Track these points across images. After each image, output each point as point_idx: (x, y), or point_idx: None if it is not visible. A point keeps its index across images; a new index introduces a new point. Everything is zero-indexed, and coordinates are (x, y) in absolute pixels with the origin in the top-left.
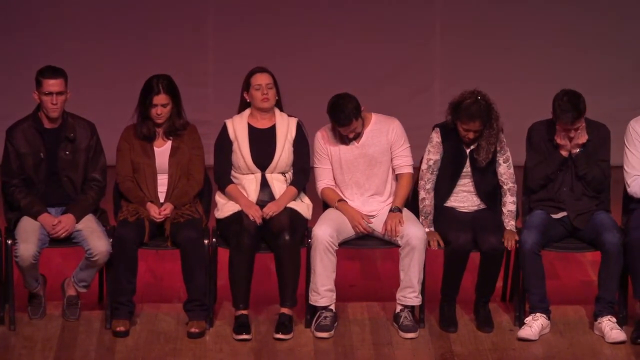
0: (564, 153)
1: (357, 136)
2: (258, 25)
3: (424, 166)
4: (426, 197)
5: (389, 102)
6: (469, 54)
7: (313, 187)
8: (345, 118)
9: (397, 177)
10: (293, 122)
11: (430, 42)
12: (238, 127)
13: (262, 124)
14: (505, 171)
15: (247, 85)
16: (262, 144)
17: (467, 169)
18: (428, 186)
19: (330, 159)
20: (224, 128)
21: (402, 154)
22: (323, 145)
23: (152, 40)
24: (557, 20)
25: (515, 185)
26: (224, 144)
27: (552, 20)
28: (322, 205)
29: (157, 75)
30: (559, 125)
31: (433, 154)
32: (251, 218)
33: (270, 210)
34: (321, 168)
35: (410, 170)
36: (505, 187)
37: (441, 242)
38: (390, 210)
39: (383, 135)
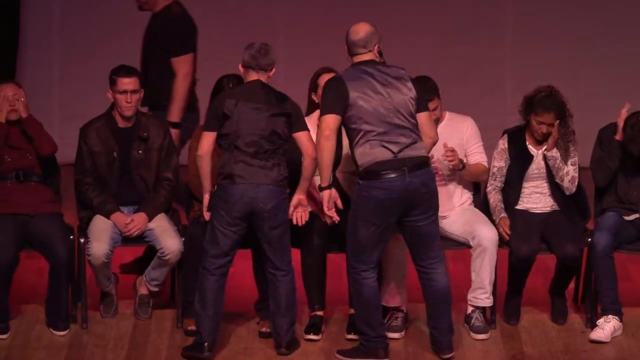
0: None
1: (435, 121)
2: (327, 26)
3: (490, 173)
4: (491, 198)
5: (459, 102)
6: (540, 54)
7: None
8: (428, 93)
9: None
10: None
11: (501, 43)
12: None
13: None
14: (571, 173)
15: (314, 86)
16: None
17: (541, 170)
18: (489, 188)
19: None
20: None
21: (477, 151)
22: None
23: (221, 40)
24: (631, 20)
25: (575, 189)
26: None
27: (626, 20)
28: None
29: (227, 75)
30: None
31: (497, 161)
32: (322, 219)
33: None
34: None
35: (485, 164)
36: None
37: (504, 235)
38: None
39: (457, 132)
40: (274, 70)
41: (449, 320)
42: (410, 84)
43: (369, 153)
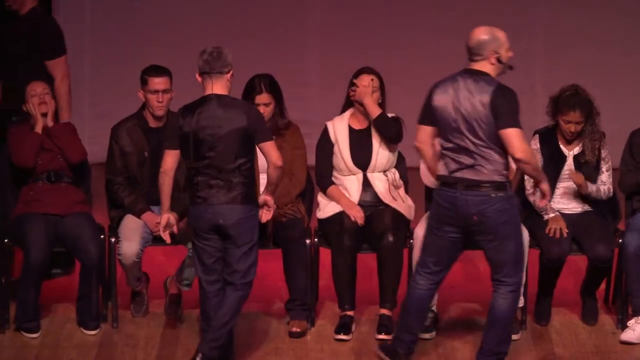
0: None
1: None
2: (361, 24)
3: (526, 176)
4: (535, 199)
5: None
6: (571, 56)
7: (414, 188)
8: None
9: None
10: None
11: (533, 45)
12: (338, 129)
13: (360, 124)
14: (607, 180)
15: (352, 85)
16: (361, 145)
17: (572, 171)
18: (531, 190)
19: None
20: (325, 130)
21: None
22: None
23: (255, 39)
24: None
25: (612, 192)
26: (325, 145)
27: None
28: (424, 205)
29: (259, 75)
30: None
31: None
32: (352, 219)
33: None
34: None
35: (514, 166)
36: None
37: (564, 230)
38: None
39: None
40: (231, 72)
41: (486, 342)
42: (486, 100)
43: (439, 163)
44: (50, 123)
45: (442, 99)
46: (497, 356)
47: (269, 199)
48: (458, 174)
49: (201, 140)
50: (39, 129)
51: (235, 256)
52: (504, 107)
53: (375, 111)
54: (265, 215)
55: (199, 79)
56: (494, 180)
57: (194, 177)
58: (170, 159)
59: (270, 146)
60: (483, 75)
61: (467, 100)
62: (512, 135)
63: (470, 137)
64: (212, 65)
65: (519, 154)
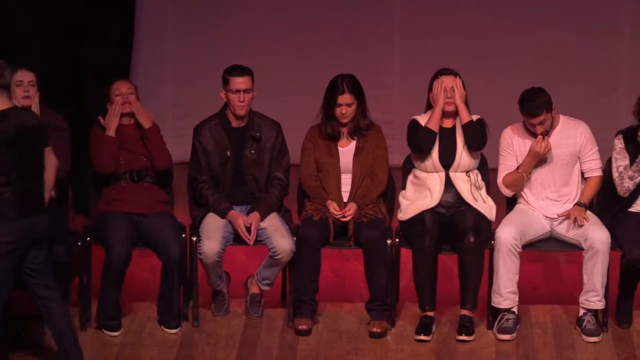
0: None
1: (546, 134)
2: (444, 25)
3: (614, 174)
4: (629, 184)
5: (574, 103)
6: None
7: (496, 189)
8: (536, 107)
9: (585, 180)
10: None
11: (618, 44)
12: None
13: (446, 123)
14: None
15: (430, 87)
16: (446, 144)
17: None
18: (622, 191)
19: (516, 156)
20: (416, 121)
21: (592, 158)
22: (509, 141)
23: (337, 40)
24: None
25: None
26: (419, 127)
27: None
28: (505, 207)
29: (341, 75)
30: None
31: (621, 160)
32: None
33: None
34: (504, 164)
35: (600, 173)
36: None
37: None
38: (576, 204)
39: (571, 138)
40: None
41: None
42: None
43: None
44: (146, 125)
45: None
46: None
47: None
48: None
49: (14, 147)
50: (111, 131)
51: (43, 258)
52: None
53: (466, 117)
54: None
55: None
56: None
57: (18, 187)
58: None
59: (48, 151)
60: None
61: None
62: None
63: None
64: (8, 79)
65: None
